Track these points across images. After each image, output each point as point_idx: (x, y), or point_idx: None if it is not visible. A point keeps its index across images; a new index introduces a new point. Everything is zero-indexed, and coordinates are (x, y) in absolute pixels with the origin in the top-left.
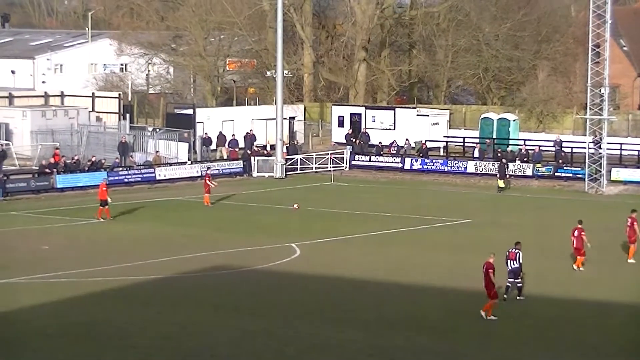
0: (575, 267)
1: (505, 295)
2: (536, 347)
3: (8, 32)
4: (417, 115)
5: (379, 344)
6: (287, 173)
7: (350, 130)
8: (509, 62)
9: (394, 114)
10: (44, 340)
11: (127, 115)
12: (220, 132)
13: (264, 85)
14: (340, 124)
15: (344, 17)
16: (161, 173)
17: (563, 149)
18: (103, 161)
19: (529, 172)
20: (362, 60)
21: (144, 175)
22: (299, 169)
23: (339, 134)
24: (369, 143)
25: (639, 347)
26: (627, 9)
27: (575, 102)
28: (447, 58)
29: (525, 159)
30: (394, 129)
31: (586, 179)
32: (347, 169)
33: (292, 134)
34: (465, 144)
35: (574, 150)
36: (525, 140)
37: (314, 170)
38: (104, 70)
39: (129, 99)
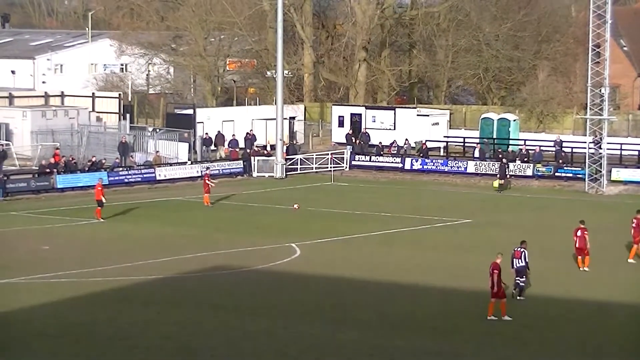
0: (581, 268)
1: (519, 297)
2: (536, 347)
3: (8, 32)
4: (418, 115)
5: (379, 344)
6: (287, 173)
7: (351, 130)
8: (509, 62)
9: (394, 114)
10: (44, 341)
11: (127, 116)
12: (219, 132)
13: (264, 85)
14: (341, 124)
15: (344, 17)
16: (161, 173)
17: (563, 149)
18: (103, 161)
19: (529, 172)
20: (363, 60)
21: (144, 176)
22: (299, 169)
23: (339, 134)
24: (369, 143)
25: (639, 347)
26: (627, 9)
27: (576, 102)
28: (447, 58)
29: (525, 159)
30: (394, 129)
31: (586, 179)
32: (347, 169)
33: (292, 134)
34: (466, 144)
35: (574, 150)
36: (525, 140)
37: (314, 170)
38: (104, 70)
39: (129, 99)
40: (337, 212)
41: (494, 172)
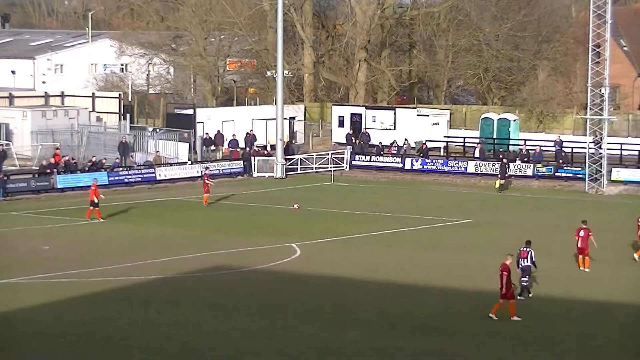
0: (582, 268)
1: (529, 295)
2: (537, 347)
3: (8, 32)
4: (418, 115)
5: (380, 344)
6: (288, 173)
7: (351, 130)
8: (509, 62)
9: (394, 114)
10: (44, 341)
11: (128, 116)
12: (219, 132)
13: (264, 85)
14: (341, 124)
15: (345, 17)
16: (161, 173)
17: (563, 149)
18: (103, 161)
19: (529, 172)
20: (363, 60)
21: (144, 176)
22: (299, 169)
23: (339, 134)
24: (369, 143)
25: (639, 347)
26: (627, 9)
27: (576, 102)
28: (447, 58)
29: (525, 159)
30: (394, 129)
31: (586, 179)
32: (348, 169)
33: (292, 134)
34: (466, 144)
35: (575, 150)
36: (525, 140)
37: (314, 170)
38: (104, 70)
39: (129, 99)
40: (337, 212)
41: (494, 172)
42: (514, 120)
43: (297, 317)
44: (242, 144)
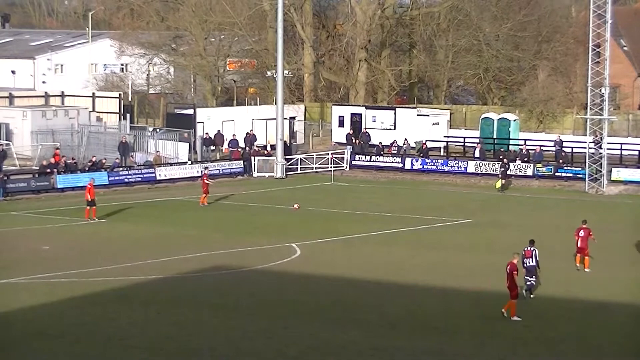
0: (582, 267)
1: (532, 295)
2: (537, 347)
3: (8, 32)
4: (418, 115)
5: (380, 344)
6: (288, 173)
7: (351, 130)
8: (509, 62)
9: (395, 114)
10: (44, 341)
11: (128, 115)
12: (219, 132)
13: (264, 85)
14: (341, 124)
15: (345, 17)
16: (161, 173)
17: (563, 149)
18: (103, 161)
19: (529, 172)
20: (363, 60)
21: (145, 175)
22: (299, 169)
23: (339, 134)
24: (369, 143)
25: (639, 347)
26: (627, 9)
27: (576, 102)
28: (447, 58)
29: (525, 159)
30: (395, 129)
31: (586, 179)
32: (348, 169)
33: (292, 134)
34: (466, 144)
35: (575, 150)
36: (525, 140)
37: (314, 170)
38: (104, 70)
39: (130, 99)
40: (337, 212)
41: (494, 172)
42: (514, 120)
43: (297, 317)
44: (242, 144)
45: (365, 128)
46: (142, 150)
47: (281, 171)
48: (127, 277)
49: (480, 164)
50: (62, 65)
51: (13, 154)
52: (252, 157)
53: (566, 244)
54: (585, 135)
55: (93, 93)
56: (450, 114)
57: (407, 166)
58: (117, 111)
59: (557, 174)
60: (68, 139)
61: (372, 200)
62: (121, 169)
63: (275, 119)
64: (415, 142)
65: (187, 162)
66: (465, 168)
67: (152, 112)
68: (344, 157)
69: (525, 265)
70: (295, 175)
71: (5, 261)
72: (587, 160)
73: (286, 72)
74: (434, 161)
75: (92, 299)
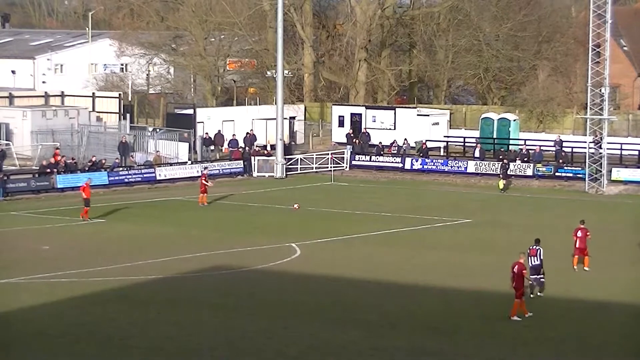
0: (580, 268)
1: (531, 295)
2: (537, 347)
3: (8, 32)
4: (418, 115)
5: (380, 344)
6: (288, 173)
7: (351, 130)
8: (509, 63)
9: (394, 113)
10: (44, 341)
11: (128, 115)
12: (219, 132)
13: (264, 85)
14: (341, 124)
15: (345, 17)
16: (161, 173)
17: (563, 148)
18: (103, 161)
19: (529, 172)
20: (363, 60)
21: (145, 175)
22: (299, 169)
23: (339, 134)
24: (369, 143)
25: (639, 347)
26: (627, 9)
27: (576, 102)
28: (447, 58)
29: (525, 159)
30: (395, 129)
31: (586, 179)
32: (348, 169)
33: (292, 134)
34: (466, 144)
35: (575, 150)
36: (525, 140)
37: (314, 170)
38: (104, 70)
39: (129, 99)
40: (337, 212)
41: (494, 172)
42: (514, 120)
43: (297, 317)
44: (242, 144)
45: (365, 128)
46: (142, 150)
47: (281, 171)
48: (127, 277)
49: (480, 164)
50: (62, 65)
51: (13, 154)
52: (252, 157)
53: (566, 244)
54: (585, 135)
55: (93, 93)
56: (450, 114)
57: (407, 166)
58: (117, 111)
59: (557, 174)
60: (68, 139)
61: (372, 200)
62: (121, 169)
63: (275, 119)
64: (415, 142)
65: (187, 162)
66: (465, 168)
67: (152, 112)
68: (344, 157)
69: (530, 264)
70: (295, 175)
71: (5, 261)
72: (587, 160)
73: (286, 72)
74: (433, 161)
75: (92, 299)
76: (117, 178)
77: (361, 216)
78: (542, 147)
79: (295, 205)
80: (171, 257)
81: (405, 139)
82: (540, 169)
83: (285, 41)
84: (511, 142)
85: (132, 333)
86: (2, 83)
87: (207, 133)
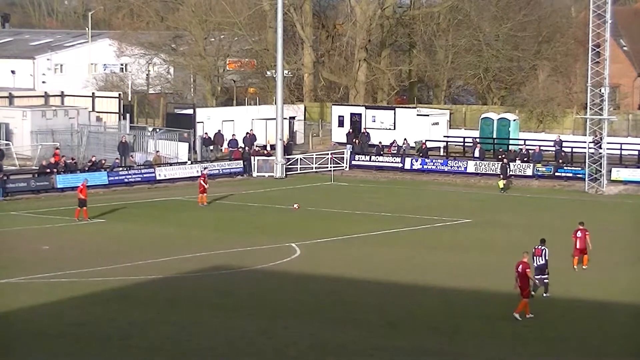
0: (580, 268)
1: (533, 293)
2: (537, 347)
3: (8, 32)
4: (417, 115)
5: (380, 344)
6: (287, 173)
7: (351, 130)
8: (509, 63)
9: (394, 113)
10: (44, 341)
11: (127, 115)
12: (219, 132)
13: (264, 85)
14: (341, 123)
15: (345, 17)
16: (161, 173)
17: (563, 148)
18: (103, 161)
19: (529, 172)
20: (362, 60)
21: (144, 175)
22: (299, 169)
23: (339, 134)
24: (369, 143)
25: (639, 347)
26: (627, 9)
27: (576, 102)
28: (447, 58)
29: (525, 159)
30: (394, 128)
31: (586, 179)
32: (347, 168)
33: (292, 134)
34: (466, 144)
35: (574, 150)
36: (525, 140)
37: (314, 170)
38: (104, 70)
39: (129, 99)
40: (337, 212)
41: (494, 172)
42: (514, 120)
43: (297, 317)
44: (241, 144)
45: (365, 128)
46: (142, 150)
47: (281, 171)
48: (127, 277)
49: (480, 164)
50: (62, 65)
51: (13, 153)
52: (252, 157)
53: (566, 244)
54: (585, 135)
55: (93, 93)
56: (450, 114)
57: (407, 166)
58: (117, 111)
59: (556, 174)
60: (68, 139)
61: (372, 200)
62: (121, 169)
63: (275, 119)
64: (415, 142)
65: (186, 162)
66: (465, 168)
67: (152, 112)
68: (343, 157)
69: (535, 263)
70: (295, 175)
71: (5, 261)
72: (586, 160)
73: (286, 72)
74: (433, 161)
75: (92, 299)
76: (117, 178)
77: (361, 216)
78: (541, 147)
79: (295, 205)
80: (171, 257)
81: (405, 139)
82: (540, 169)
83: (285, 41)
84: (511, 142)
85: (132, 333)
86: (2, 83)
87: (206, 133)
